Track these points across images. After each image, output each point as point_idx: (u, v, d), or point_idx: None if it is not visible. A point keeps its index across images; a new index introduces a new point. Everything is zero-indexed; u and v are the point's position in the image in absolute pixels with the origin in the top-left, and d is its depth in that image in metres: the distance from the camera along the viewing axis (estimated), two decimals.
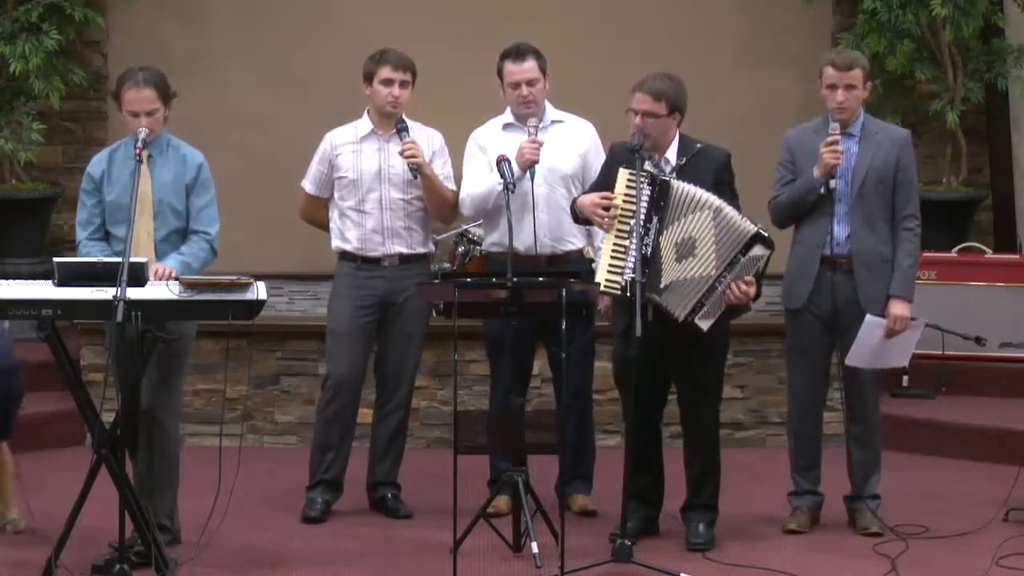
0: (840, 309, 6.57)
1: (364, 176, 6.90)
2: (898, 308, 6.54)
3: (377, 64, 6.89)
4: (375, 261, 6.91)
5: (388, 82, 6.86)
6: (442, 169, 6.94)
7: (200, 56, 9.29)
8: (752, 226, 6.24)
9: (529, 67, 6.83)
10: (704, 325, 6.25)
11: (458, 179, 6.99)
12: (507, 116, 6.95)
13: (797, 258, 6.64)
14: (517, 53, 6.86)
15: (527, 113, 6.84)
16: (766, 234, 6.26)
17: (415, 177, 6.78)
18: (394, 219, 6.90)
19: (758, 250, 6.24)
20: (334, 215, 6.99)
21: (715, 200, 6.24)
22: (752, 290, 6.26)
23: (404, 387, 7.00)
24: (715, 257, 6.23)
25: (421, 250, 6.99)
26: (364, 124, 6.97)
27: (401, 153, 6.79)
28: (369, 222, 6.90)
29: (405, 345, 6.95)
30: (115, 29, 9.30)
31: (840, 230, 6.55)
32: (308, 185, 7.06)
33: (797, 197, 6.57)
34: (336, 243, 6.99)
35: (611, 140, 6.84)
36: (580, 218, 6.53)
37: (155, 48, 9.06)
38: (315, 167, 7.02)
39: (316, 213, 7.10)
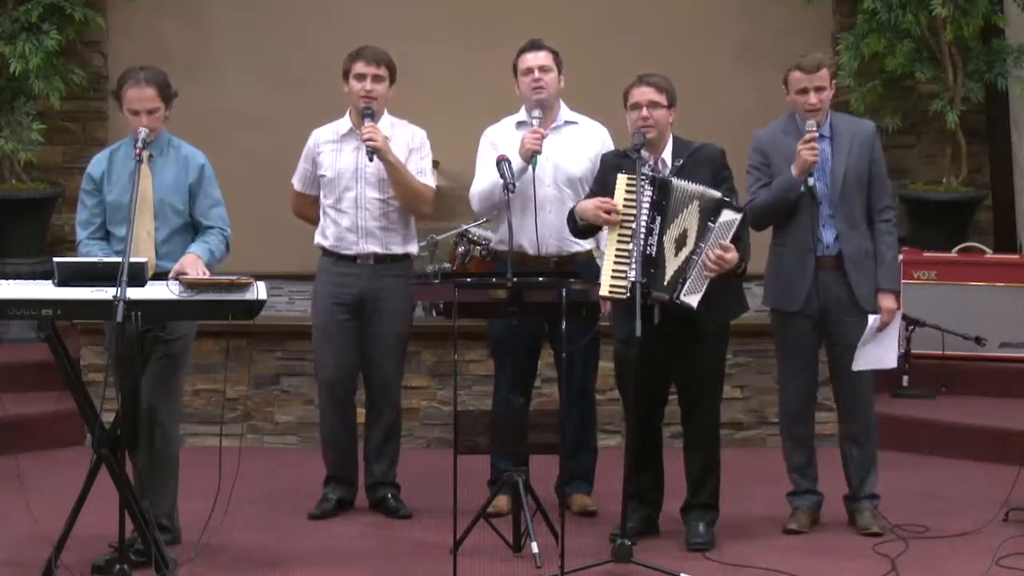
0: (828, 307, 6.59)
1: (342, 175, 6.91)
2: (888, 301, 6.58)
3: (352, 60, 6.91)
4: (350, 259, 6.92)
5: (361, 77, 6.86)
6: (417, 164, 6.93)
7: (200, 56, 9.28)
8: (717, 194, 6.27)
9: (543, 55, 6.85)
10: (691, 301, 6.23)
11: (469, 177, 6.99)
12: (520, 114, 6.95)
13: (785, 261, 6.63)
14: (532, 44, 6.90)
15: (539, 99, 6.82)
16: (729, 200, 6.27)
17: (371, 160, 6.77)
18: (369, 218, 6.89)
19: (727, 215, 6.25)
20: (320, 212, 7.02)
21: (702, 188, 6.28)
22: (730, 255, 6.25)
23: (391, 390, 7.00)
24: (695, 235, 6.26)
25: (398, 250, 6.96)
26: (344, 123, 6.98)
27: (361, 137, 6.79)
28: (345, 220, 6.91)
29: (386, 348, 6.93)
30: (115, 29, 9.30)
31: (827, 232, 6.57)
32: (295, 182, 7.11)
33: (777, 197, 6.55)
34: (317, 239, 7.02)
35: (616, 142, 6.84)
36: (579, 227, 6.52)
37: (155, 48, 9.06)
38: (301, 164, 7.07)
39: (305, 209, 7.13)
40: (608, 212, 6.29)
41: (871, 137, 6.67)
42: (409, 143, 6.94)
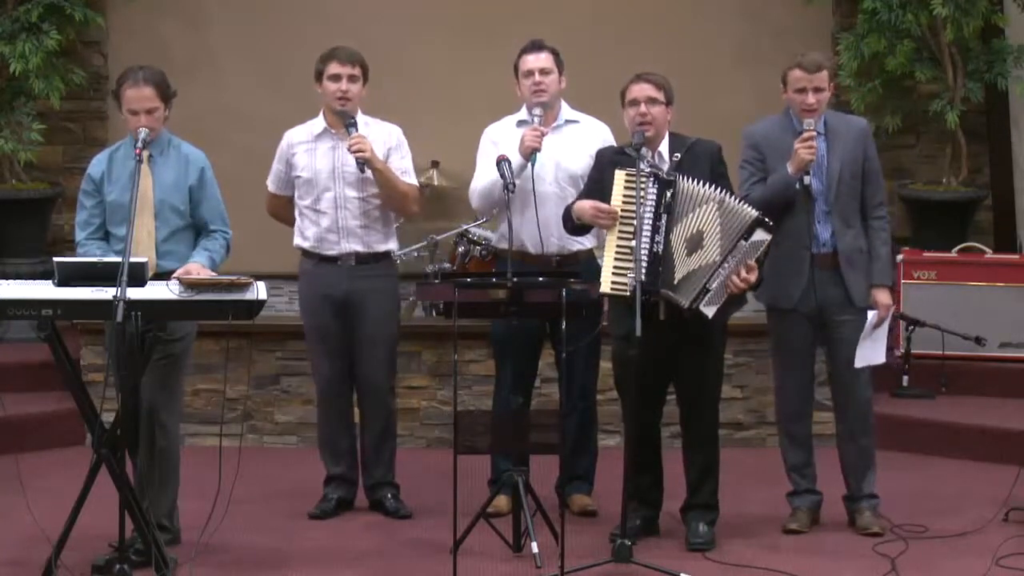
0: (823, 306, 6.60)
1: (319, 175, 6.90)
2: (884, 296, 6.62)
3: (325, 62, 6.89)
4: (332, 259, 6.91)
5: (336, 78, 6.84)
6: (399, 164, 6.92)
7: (200, 56, 9.29)
8: (753, 212, 6.26)
9: (544, 57, 6.85)
10: (709, 312, 6.25)
11: (469, 177, 6.99)
12: (522, 113, 6.94)
13: (780, 258, 6.60)
14: (533, 46, 6.90)
15: (539, 102, 6.82)
16: (767, 219, 6.27)
17: (363, 171, 6.76)
18: (349, 218, 6.88)
19: (759, 235, 6.25)
20: (296, 213, 7.00)
21: (718, 192, 6.27)
22: (753, 276, 6.27)
23: (382, 392, 6.99)
24: (719, 244, 6.26)
25: (380, 248, 6.95)
26: (318, 123, 6.97)
27: (349, 148, 6.78)
28: (324, 221, 6.90)
29: (373, 351, 6.92)
30: (115, 29, 9.30)
31: (822, 229, 6.58)
32: (269, 184, 7.10)
33: (774, 195, 6.53)
34: (296, 240, 7.01)
35: (616, 141, 6.85)
36: (576, 225, 6.52)
37: (155, 48, 9.06)
38: (275, 165, 7.05)
39: (280, 210, 7.13)
40: (604, 213, 6.29)
41: (864, 134, 6.69)
42: (386, 141, 6.92)
